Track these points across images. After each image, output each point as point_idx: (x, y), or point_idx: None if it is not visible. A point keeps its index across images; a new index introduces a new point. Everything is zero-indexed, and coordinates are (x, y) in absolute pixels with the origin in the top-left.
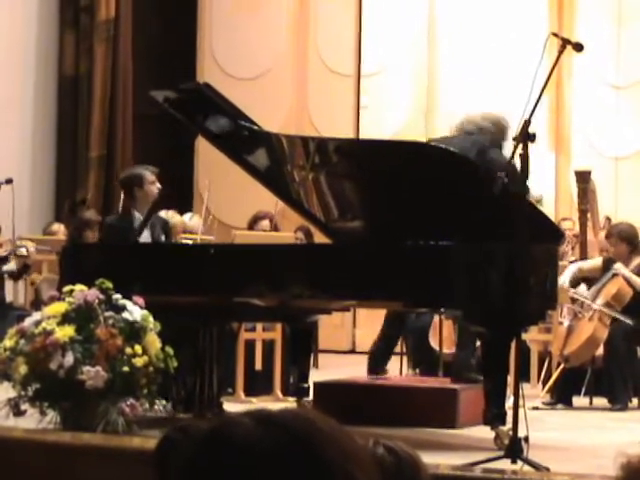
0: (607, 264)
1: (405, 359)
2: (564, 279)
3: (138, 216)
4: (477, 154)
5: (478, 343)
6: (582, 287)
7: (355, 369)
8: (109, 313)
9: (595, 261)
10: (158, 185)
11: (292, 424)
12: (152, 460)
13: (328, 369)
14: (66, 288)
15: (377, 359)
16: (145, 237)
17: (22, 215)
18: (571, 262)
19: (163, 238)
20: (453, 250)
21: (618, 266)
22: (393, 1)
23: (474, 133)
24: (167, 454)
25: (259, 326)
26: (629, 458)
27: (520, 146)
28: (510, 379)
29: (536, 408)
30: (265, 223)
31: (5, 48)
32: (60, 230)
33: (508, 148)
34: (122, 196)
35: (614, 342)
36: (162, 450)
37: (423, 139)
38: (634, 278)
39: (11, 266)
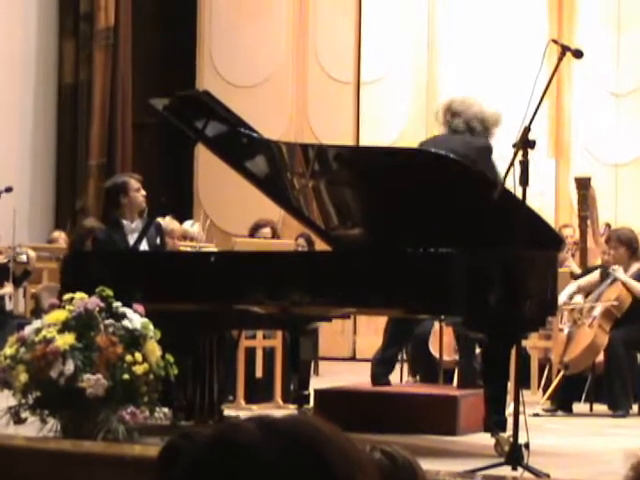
0: (605, 274)
1: (405, 366)
2: (562, 298)
3: (126, 224)
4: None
5: (478, 350)
6: (578, 297)
7: (355, 376)
8: (109, 321)
9: (592, 275)
10: (143, 192)
11: (295, 430)
12: (155, 467)
13: (328, 376)
14: (66, 296)
15: (380, 372)
16: (142, 244)
17: (22, 223)
18: (572, 276)
19: (158, 241)
20: (453, 257)
21: (617, 271)
22: (393, 9)
23: (462, 131)
24: (171, 461)
25: (259, 333)
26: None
27: (520, 153)
28: (510, 386)
29: (536, 415)
30: (266, 231)
31: (4, 56)
32: (61, 237)
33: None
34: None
35: (614, 349)
36: (165, 457)
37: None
38: (633, 283)
39: (7, 290)
